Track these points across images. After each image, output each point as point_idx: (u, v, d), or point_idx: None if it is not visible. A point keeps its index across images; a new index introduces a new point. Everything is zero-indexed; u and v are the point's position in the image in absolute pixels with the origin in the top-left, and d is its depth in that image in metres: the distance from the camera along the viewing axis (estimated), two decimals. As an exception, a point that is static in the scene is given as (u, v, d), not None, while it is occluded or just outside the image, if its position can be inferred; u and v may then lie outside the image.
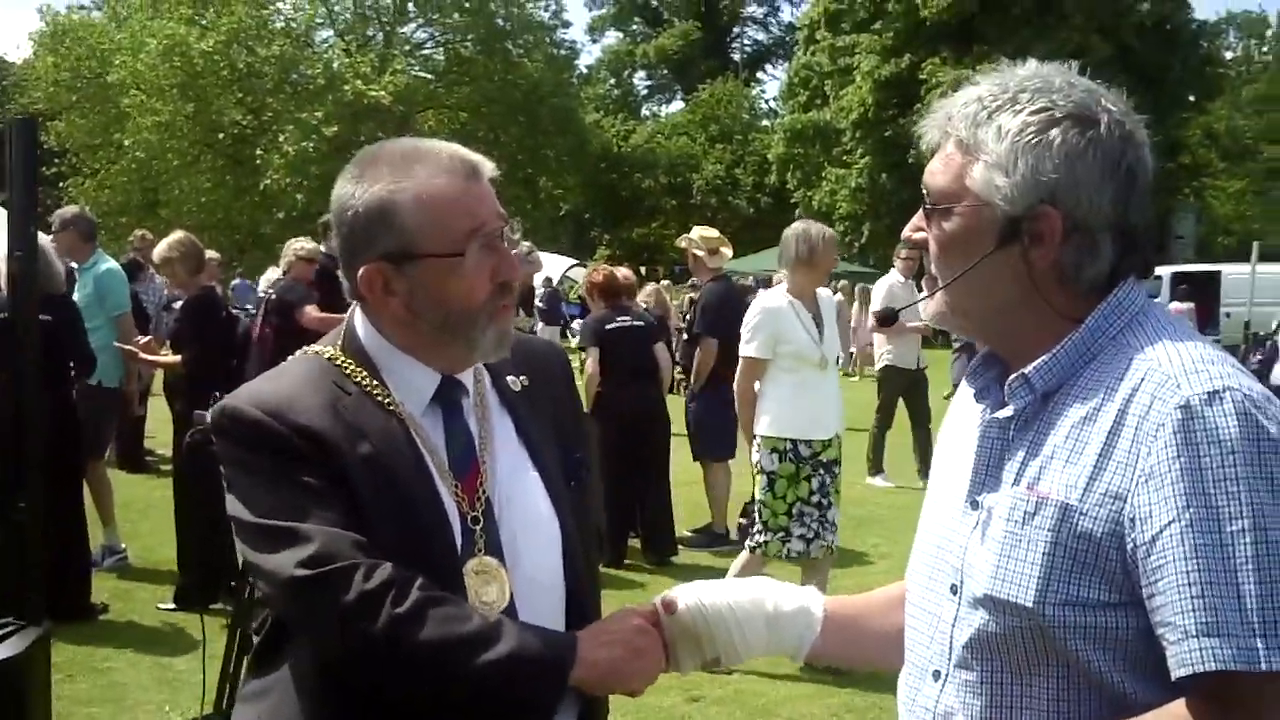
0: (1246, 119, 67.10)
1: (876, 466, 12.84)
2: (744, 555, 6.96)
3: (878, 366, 12.83)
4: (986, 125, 1.81)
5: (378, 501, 2.02)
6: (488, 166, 2.15)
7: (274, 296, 9.47)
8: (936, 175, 1.88)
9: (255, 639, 2.21)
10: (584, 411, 2.48)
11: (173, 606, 7.63)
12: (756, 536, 6.83)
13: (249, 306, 18.65)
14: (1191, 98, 45.83)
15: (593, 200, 57.61)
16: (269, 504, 2.00)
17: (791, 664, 6.64)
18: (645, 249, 56.48)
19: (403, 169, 2.09)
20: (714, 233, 10.21)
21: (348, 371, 2.14)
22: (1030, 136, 1.77)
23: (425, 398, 2.17)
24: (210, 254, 9.35)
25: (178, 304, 8.67)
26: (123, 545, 8.86)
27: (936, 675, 1.89)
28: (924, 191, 1.90)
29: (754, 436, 6.96)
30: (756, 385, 7.06)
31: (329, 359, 2.17)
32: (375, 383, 2.13)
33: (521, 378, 2.31)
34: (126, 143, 41.13)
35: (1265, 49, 77.10)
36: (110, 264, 9.02)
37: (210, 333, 8.06)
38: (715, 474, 10.11)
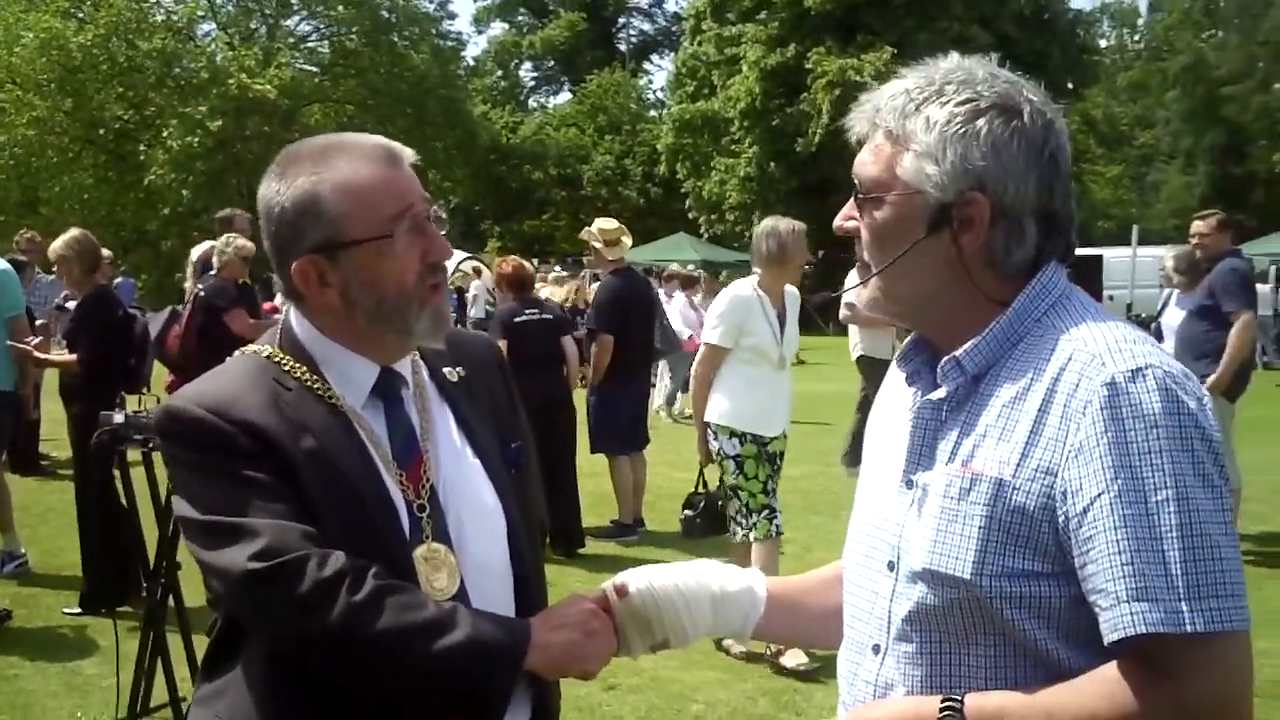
0: (1121, 106, 68.86)
1: (854, 458, 12.81)
2: (756, 549, 6.84)
3: (853, 357, 12.81)
4: (915, 116, 1.88)
5: (324, 494, 2.04)
6: (408, 153, 2.18)
7: (201, 294, 9.26)
8: (867, 166, 1.94)
9: (209, 638, 2.22)
10: (519, 402, 2.51)
11: (78, 611, 7.50)
12: (751, 519, 6.82)
13: (138, 306, 18.31)
14: (1070, 85, 46.87)
15: (482, 193, 57.26)
16: (216, 501, 2.02)
17: (705, 652, 6.73)
18: (536, 241, 56.33)
19: (323, 161, 2.12)
20: (613, 224, 10.24)
21: (287, 368, 2.16)
22: (958, 126, 1.84)
23: (365, 390, 2.19)
24: (104, 252, 9.16)
25: (72, 304, 8.51)
26: (23, 550, 8.69)
27: (876, 649, 1.96)
28: (854, 181, 1.97)
29: (707, 424, 6.97)
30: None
31: (267, 356, 2.19)
32: (315, 378, 2.15)
33: (458, 369, 2.34)
34: (2, 139, 40.01)
35: (1137, 38, 79.09)
36: (2, 264, 8.80)
37: (107, 332, 7.93)
38: (619, 467, 10.16)
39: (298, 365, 2.16)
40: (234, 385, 2.12)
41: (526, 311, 9.51)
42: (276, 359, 2.18)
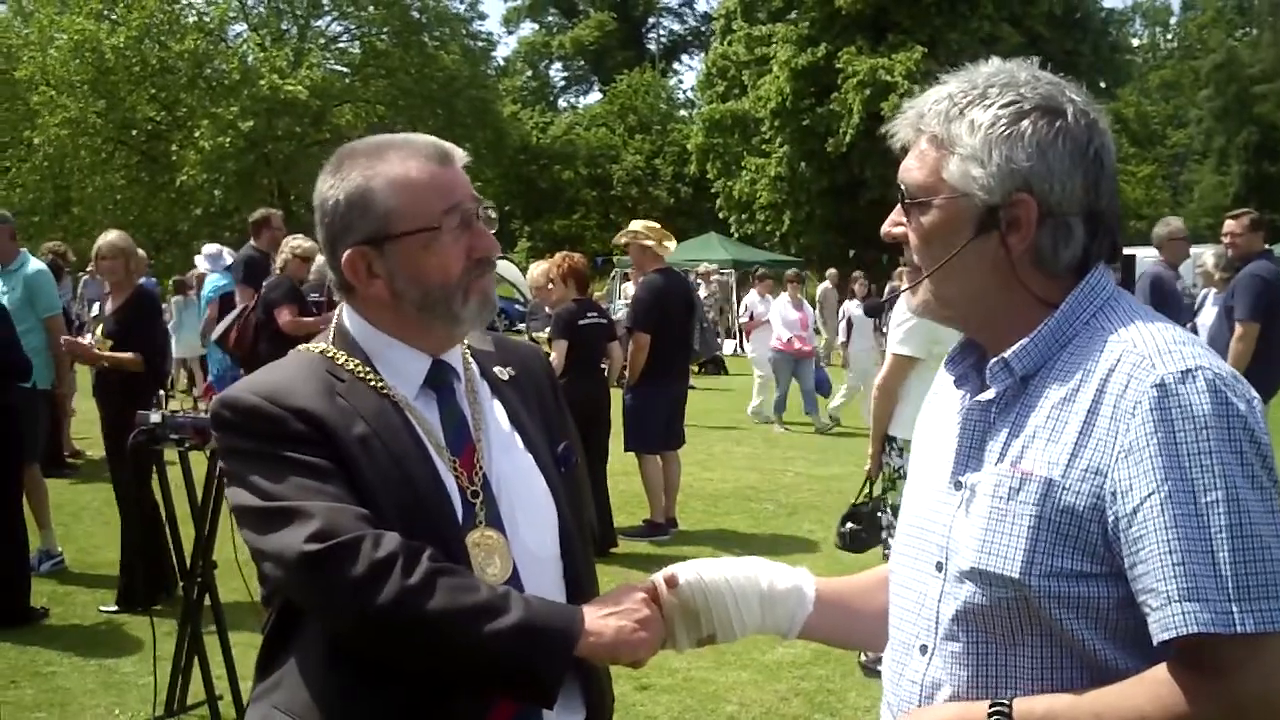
0: (1153, 105, 68.52)
1: None
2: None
3: None
4: (959, 120, 1.88)
5: (377, 478, 2.08)
6: (459, 153, 2.23)
7: (263, 290, 9.74)
8: (912, 171, 1.95)
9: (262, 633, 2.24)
10: (566, 408, 2.53)
11: (115, 608, 7.57)
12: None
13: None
14: (1101, 84, 46.65)
15: (512, 193, 57.31)
16: (270, 487, 2.05)
17: (738, 652, 6.72)
18: (566, 241, 56.31)
19: (376, 157, 2.18)
20: (656, 225, 10.29)
21: (340, 361, 2.21)
22: (1002, 128, 1.85)
23: (417, 381, 2.23)
24: (139, 252, 9.27)
25: (97, 304, 8.57)
26: (59, 549, 8.77)
27: (923, 649, 1.96)
28: (900, 188, 1.97)
29: (891, 439, 6.63)
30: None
31: (321, 352, 2.24)
32: (368, 370, 2.20)
33: (508, 369, 2.39)
34: (36, 140, 40.31)
35: (1169, 36, 78.71)
36: (39, 265, 8.87)
37: (152, 331, 8.06)
38: (649, 466, 10.16)
39: (350, 359, 2.21)
40: (288, 376, 2.18)
41: (589, 315, 9.53)
42: (329, 354, 2.23)
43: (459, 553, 2.10)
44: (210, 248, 14.13)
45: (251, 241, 11.22)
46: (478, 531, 2.15)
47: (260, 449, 2.09)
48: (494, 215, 2.25)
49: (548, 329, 10.25)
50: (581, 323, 9.39)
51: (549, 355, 9.18)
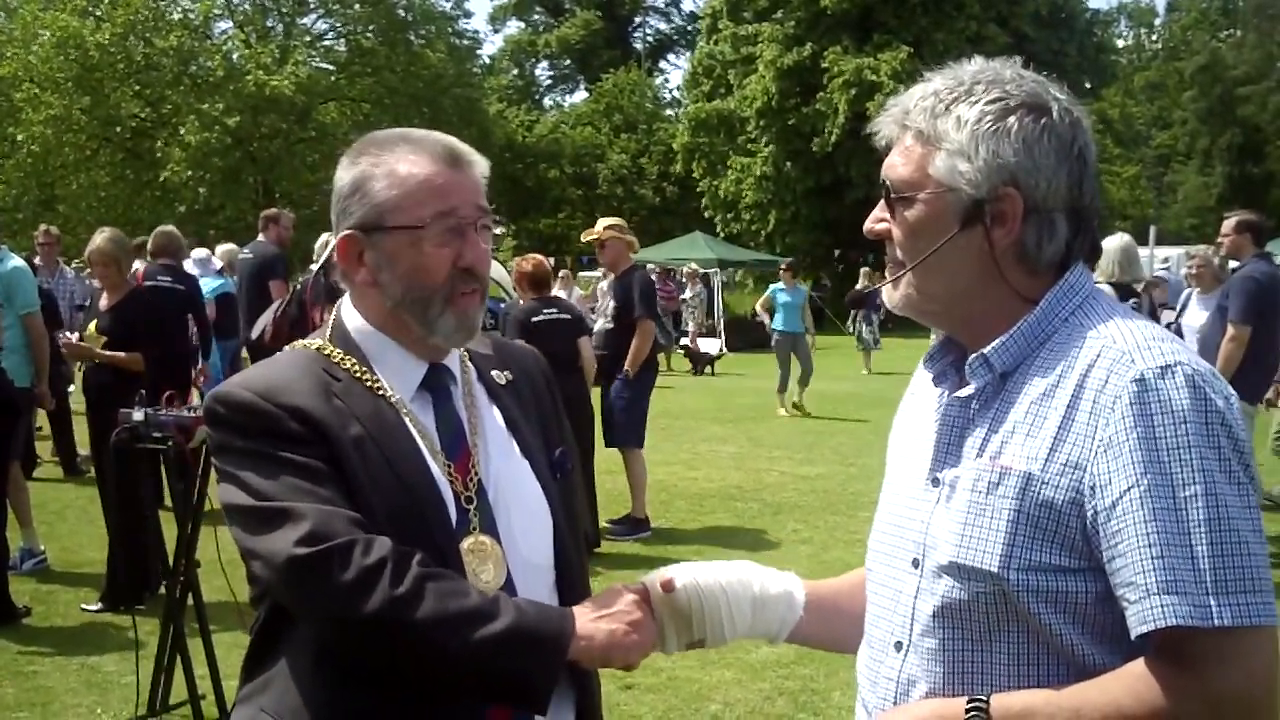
0: (1138, 106, 68.76)
1: None
2: None
3: None
4: (945, 116, 1.90)
5: (372, 480, 2.06)
6: (476, 159, 2.22)
7: (298, 288, 9.68)
8: (897, 167, 1.95)
9: (250, 634, 2.22)
10: (564, 414, 2.52)
11: (98, 607, 7.53)
12: None
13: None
14: (1087, 85, 46.80)
15: (498, 191, 56.67)
16: (263, 487, 2.03)
17: (722, 651, 6.71)
18: (552, 240, 56.36)
19: (387, 148, 2.19)
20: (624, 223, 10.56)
21: (336, 360, 2.19)
22: (989, 124, 1.86)
23: (413, 384, 2.22)
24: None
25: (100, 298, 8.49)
26: (42, 547, 8.72)
27: (899, 646, 1.97)
28: (884, 184, 1.98)
29: None
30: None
31: (317, 349, 2.23)
32: (364, 369, 2.19)
33: (506, 373, 2.38)
34: (20, 137, 40.15)
35: (1154, 37, 78.99)
36: (17, 261, 8.78)
37: (154, 332, 8.08)
38: (637, 461, 10.12)
39: (347, 358, 2.20)
40: (283, 373, 2.17)
41: (545, 311, 9.41)
42: (326, 352, 2.21)
43: (453, 558, 2.09)
44: (199, 252, 14.08)
45: (261, 237, 11.37)
46: (472, 537, 2.14)
47: (253, 447, 2.07)
48: (498, 231, 2.24)
49: None
50: (535, 319, 9.27)
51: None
